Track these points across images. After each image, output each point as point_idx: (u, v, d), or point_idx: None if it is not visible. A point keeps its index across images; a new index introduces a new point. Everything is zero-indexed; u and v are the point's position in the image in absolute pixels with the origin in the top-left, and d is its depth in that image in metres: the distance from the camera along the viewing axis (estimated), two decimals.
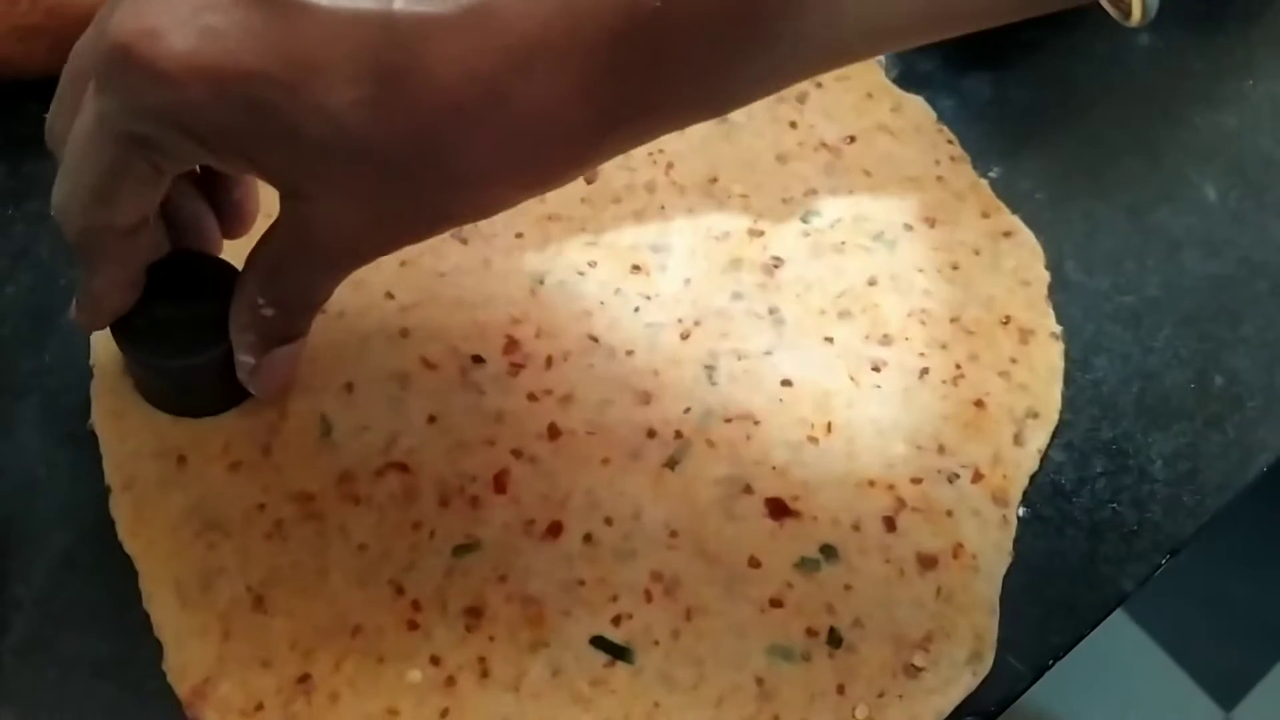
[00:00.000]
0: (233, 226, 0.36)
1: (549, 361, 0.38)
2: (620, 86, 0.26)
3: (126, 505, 0.35)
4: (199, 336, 0.34)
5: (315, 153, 0.26)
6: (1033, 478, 0.38)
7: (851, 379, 0.39)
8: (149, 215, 0.31)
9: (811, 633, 0.34)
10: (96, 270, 0.32)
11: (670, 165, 0.43)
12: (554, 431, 0.37)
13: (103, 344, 0.37)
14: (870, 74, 0.47)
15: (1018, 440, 0.38)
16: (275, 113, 0.26)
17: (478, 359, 0.38)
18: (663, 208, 0.42)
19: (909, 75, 0.47)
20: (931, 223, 0.42)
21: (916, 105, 0.46)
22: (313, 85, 0.25)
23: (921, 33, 0.29)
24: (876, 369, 0.39)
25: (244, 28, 0.25)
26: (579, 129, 0.27)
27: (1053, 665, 0.35)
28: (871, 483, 0.37)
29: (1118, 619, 1.07)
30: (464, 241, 0.40)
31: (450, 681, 0.33)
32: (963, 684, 0.34)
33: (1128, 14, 0.29)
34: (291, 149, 0.27)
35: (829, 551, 0.36)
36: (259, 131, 0.26)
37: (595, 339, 0.39)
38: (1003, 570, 0.36)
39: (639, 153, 0.43)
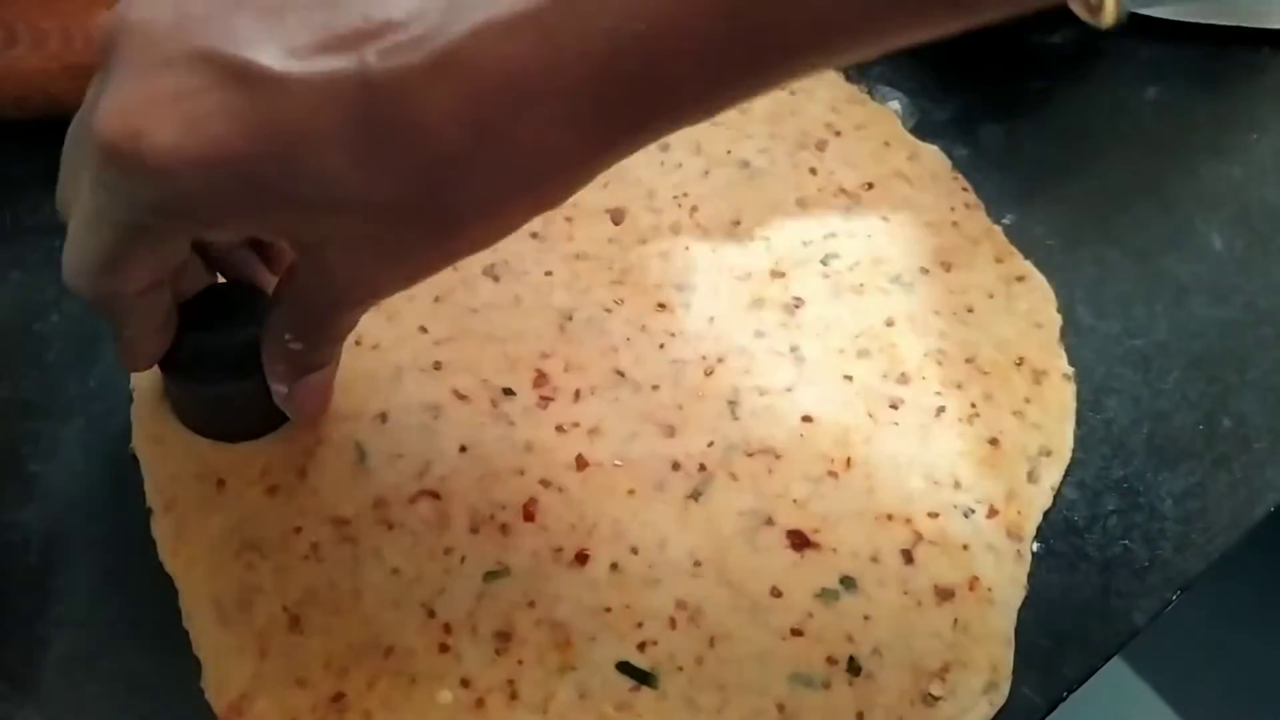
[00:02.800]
0: (277, 266, 0.37)
1: (577, 395, 0.39)
2: (609, 111, 0.26)
3: (168, 526, 0.36)
4: (237, 363, 0.35)
5: (317, 214, 0.27)
6: (1046, 514, 0.39)
7: (870, 416, 0.40)
8: (161, 278, 0.31)
9: (831, 661, 0.35)
10: (123, 325, 0.33)
11: (695, 208, 0.44)
12: (581, 463, 0.38)
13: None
14: (887, 124, 0.48)
15: (1032, 477, 0.39)
16: (271, 187, 0.26)
17: (508, 391, 0.39)
18: (687, 248, 0.43)
19: (925, 125, 0.49)
20: (947, 267, 0.44)
21: (932, 154, 0.47)
22: (304, 154, 0.25)
23: (898, 34, 0.28)
24: (894, 406, 0.40)
25: (225, 110, 0.25)
26: (572, 155, 0.27)
27: (1066, 697, 0.36)
28: (890, 516, 0.38)
29: (1120, 670, 1.07)
30: (495, 279, 0.42)
31: (480, 703, 0.34)
32: (979, 713, 0.35)
33: (1098, 12, 0.29)
34: (293, 214, 0.27)
35: (848, 582, 0.36)
36: (258, 205, 0.27)
37: (621, 374, 0.40)
38: (1018, 603, 0.37)
39: (664, 195, 0.45)
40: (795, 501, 0.38)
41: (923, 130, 0.49)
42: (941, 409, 0.40)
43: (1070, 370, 0.42)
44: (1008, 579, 0.37)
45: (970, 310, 0.43)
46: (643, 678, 0.34)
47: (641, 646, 0.35)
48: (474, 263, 0.42)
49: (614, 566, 0.36)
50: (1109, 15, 0.29)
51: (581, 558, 0.36)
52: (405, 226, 0.27)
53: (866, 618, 0.36)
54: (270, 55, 0.25)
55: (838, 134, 0.47)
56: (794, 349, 0.41)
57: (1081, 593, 0.37)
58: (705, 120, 0.28)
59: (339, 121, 0.25)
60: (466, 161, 0.26)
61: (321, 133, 0.25)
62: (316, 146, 0.25)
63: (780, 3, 0.25)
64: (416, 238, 0.28)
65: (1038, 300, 0.43)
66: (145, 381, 0.38)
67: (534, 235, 0.43)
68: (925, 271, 0.44)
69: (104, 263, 0.29)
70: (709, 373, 0.40)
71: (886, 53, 0.28)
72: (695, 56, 0.26)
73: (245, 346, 0.35)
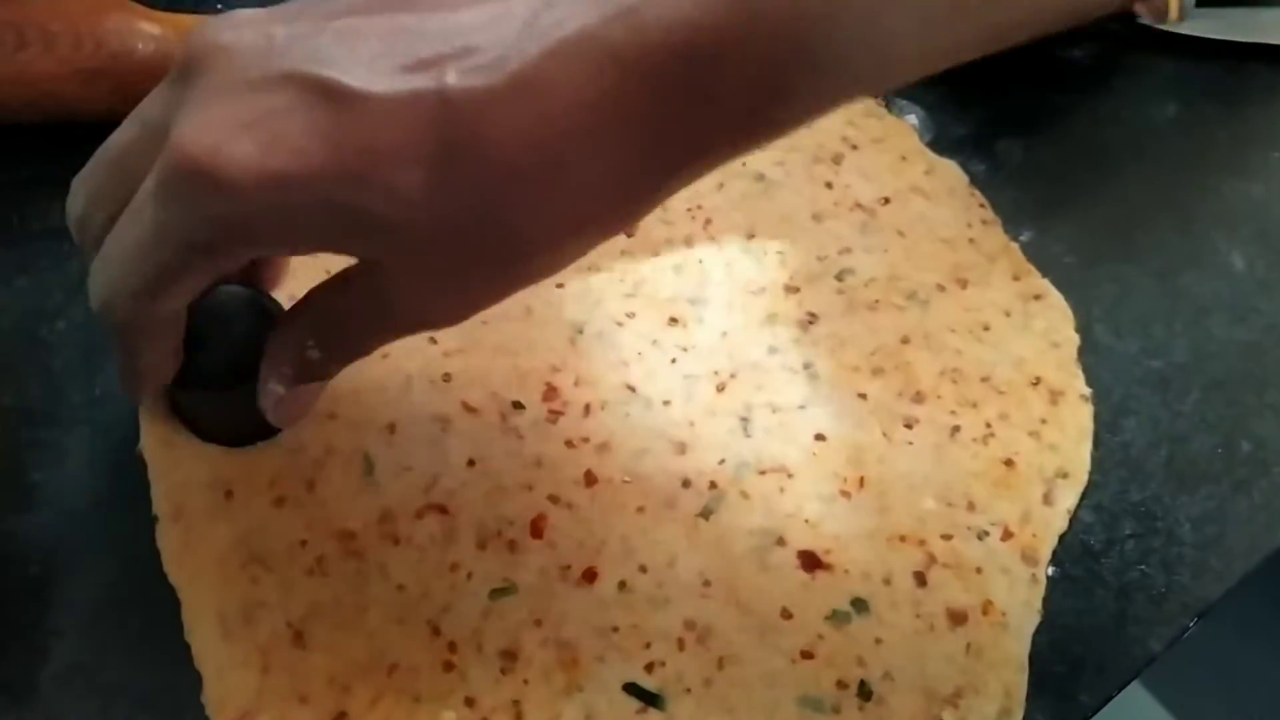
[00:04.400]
0: (270, 286, 0.37)
1: (587, 409, 0.39)
2: (674, 138, 0.27)
3: (174, 535, 0.35)
4: (252, 364, 0.34)
5: (388, 234, 0.27)
6: (1062, 537, 0.38)
7: (884, 435, 0.39)
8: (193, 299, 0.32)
9: (842, 685, 0.35)
10: (143, 350, 0.32)
11: (709, 221, 0.44)
12: (591, 479, 0.38)
13: None
14: (904, 138, 0.48)
15: (1047, 500, 0.39)
16: (345, 205, 0.26)
17: (518, 405, 0.39)
18: (700, 262, 0.43)
19: (942, 139, 0.48)
20: (963, 284, 0.43)
21: (949, 169, 0.47)
22: (380, 172, 0.26)
23: (959, 53, 0.29)
24: (908, 425, 0.40)
25: (307, 128, 0.26)
26: (636, 182, 0.27)
27: None
28: (902, 538, 0.37)
29: (1137, 694, 1.06)
30: None
31: None
32: None
33: (1163, 15, 0.30)
34: (363, 234, 0.27)
35: (860, 605, 0.36)
36: (330, 225, 0.27)
37: (632, 388, 0.40)
38: (1032, 628, 0.36)
39: (678, 208, 0.44)
40: (807, 521, 0.37)
41: (940, 144, 0.48)
42: (956, 428, 0.40)
43: (1088, 391, 0.41)
44: (1022, 603, 0.36)
45: (986, 328, 0.42)
46: (650, 699, 0.34)
47: (649, 667, 0.34)
48: None
49: (622, 585, 0.36)
50: (1173, 11, 0.29)
51: (589, 576, 0.36)
52: (467, 252, 0.27)
53: (878, 641, 0.35)
54: (353, 75, 0.26)
55: (854, 148, 0.47)
56: (807, 365, 0.41)
57: (1097, 618, 0.37)
58: (764, 145, 0.29)
59: (416, 139, 0.25)
60: (535, 185, 0.26)
61: (399, 149, 0.25)
62: (392, 163, 0.26)
63: (844, 33, 0.26)
64: (477, 265, 0.28)
65: (1055, 319, 0.43)
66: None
67: None
68: (941, 288, 0.43)
69: (153, 285, 0.29)
70: (721, 388, 0.40)
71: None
72: (753, 79, 0.26)
73: (253, 347, 0.34)
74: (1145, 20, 0.31)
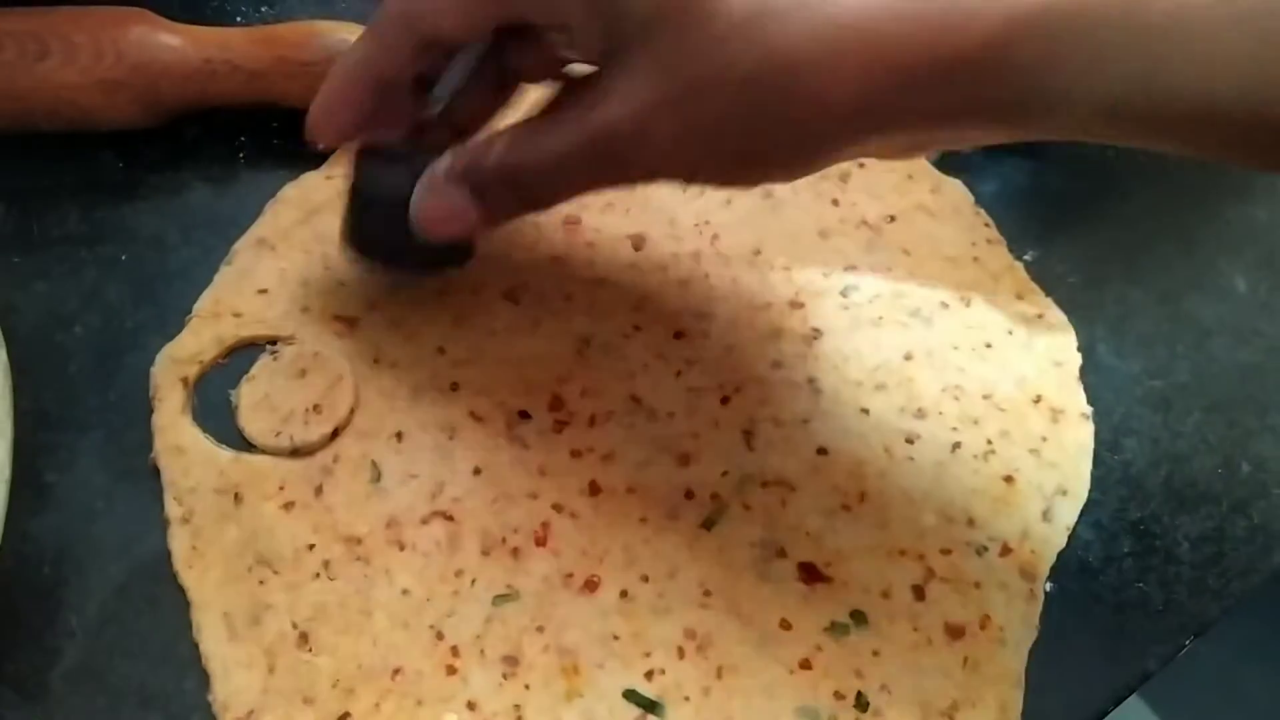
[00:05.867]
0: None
1: (592, 420, 0.39)
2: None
3: (184, 538, 0.36)
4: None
5: (628, 21, 0.28)
6: (1060, 554, 0.38)
7: (885, 450, 0.40)
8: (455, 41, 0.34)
9: (839, 696, 0.35)
10: (377, 41, 0.34)
11: (716, 236, 0.44)
12: (595, 488, 0.38)
13: (164, 376, 0.39)
14: None
15: (1046, 517, 0.39)
16: None
17: (524, 414, 0.39)
18: (707, 276, 0.43)
19: (948, 158, 0.49)
20: (967, 302, 0.44)
21: (955, 188, 0.47)
22: None
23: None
24: (910, 441, 0.40)
25: None
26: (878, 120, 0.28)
27: None
28: (902, 552, 0.38)
29: (1136, 707, 1.06)
30: (515, 302, 0.42)
31: None
32: None
33: None
34: (608, 12, 0.29)
35: (859, 617, 0.36)
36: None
37: (638, 400, 0.40)
38: (1029, 643, 0.36)
39: (686, 223, 0.45)
40: (808, 534, 0.38)
41: (946, 163, 0.48)
42: (957, 445, 0.40)
43: (1088, 409, 0.42)
44: (1019, 619, 0.37)
45: (989, 346, 0.43)
46: (650, 707, 0.34)
47: (649, 675, 0.35)
48: (494, 285, 0.42)
49: (624, 594, 0.36)
50: None
51: (591, 584, 0.36)
52: (701, 68, 0.28)
53: (876, 653, 0.36)
54: None
55: (861, 165, 0.47)
56: (811, 380, 0.41)
57: (1094, 635, 0.37)
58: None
59: None
60: (804, 62, 0.27)
61: None
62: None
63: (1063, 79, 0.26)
64: (703, 95, 0.28)
65: (1058, 338, 0.43)
66: (166, 388, 0.39)
67: (554, 259, 0.43)
68: (945, 306, 0.44)
69: None
70: (725, 402, 0.40)
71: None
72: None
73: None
74: None
